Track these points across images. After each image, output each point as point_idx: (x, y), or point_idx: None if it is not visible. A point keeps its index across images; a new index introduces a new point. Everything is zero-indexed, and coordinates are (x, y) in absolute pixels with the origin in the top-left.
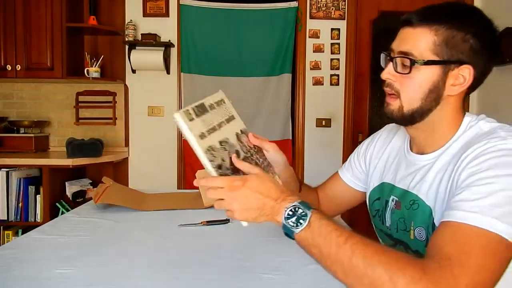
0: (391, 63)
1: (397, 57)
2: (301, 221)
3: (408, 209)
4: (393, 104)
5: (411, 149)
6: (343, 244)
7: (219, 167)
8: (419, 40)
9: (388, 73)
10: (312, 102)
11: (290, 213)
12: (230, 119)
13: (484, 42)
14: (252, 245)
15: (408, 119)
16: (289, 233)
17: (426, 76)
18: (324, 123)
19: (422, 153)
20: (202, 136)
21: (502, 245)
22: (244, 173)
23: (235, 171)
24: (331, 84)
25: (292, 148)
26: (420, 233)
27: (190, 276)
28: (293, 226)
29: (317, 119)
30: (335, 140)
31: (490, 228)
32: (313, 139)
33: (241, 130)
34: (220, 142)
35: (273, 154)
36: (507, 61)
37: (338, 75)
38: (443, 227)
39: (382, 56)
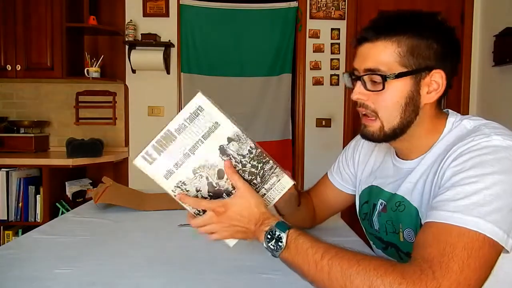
0: (359, 82)
1: (365, 75)
2: (279, 243)
3: (394, 211)
4: (373, 126)
5: (397, 155)
6: (320, 261)
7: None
8: (383, 54)
9: (358, 93)
10: (312, 102)
11: (269, 236)
12: (211, 130)
13: (446, 43)
14: (252, 245)
15: (391, 137)
16: (273, 255)
17: (399, 89)
18: (324, 123)
19: (407, 159)
20: (168, 174)
21: (485, 244)
22: (225, 195)
23: (215, 195)
24: (331, 84)
25: (292, 148)
26: (409, 235)
27: (190, 276)
28: (273, 249)
29: (317, 119)
30: (335, 140)
31: (472, 227)
32: (313, 139)
33: (228, 138)
34: (194, 171)
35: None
36: (507, 61)
37: (338, 75)
38: (426, 227)
39: (345, 76)
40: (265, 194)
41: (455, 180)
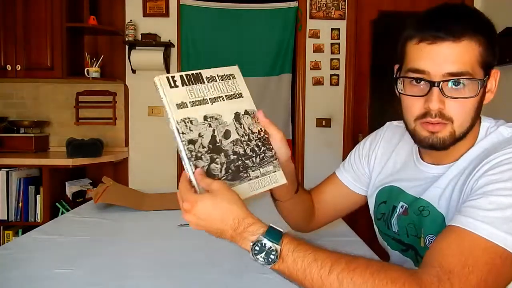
0: (435, 89)
1: (453, 79)
2: (271, 256)
3: (417, 215)
4: (443, 131)
5: (421, 157)
6: (328, 276)
7: (190, 142)
8: (468, 55)
9: (439, 101)
10: (312, 102)
11: (257, 248)
12: (234, 96)
13: (497, 41)
14: None
15: (456, 141)
16: (262, 265)
17: (478, 93)
18: (324, 123)
19: (437, 164)
20: (181, 105)
21: (508, 262)
22: (222, 156)
23: (213, 151)
24: (331, 84)
25: (292, 148)
26: (431, 241)
27: (190, 276)
28: (264, 262)
29: (317, 119)
30: (335, 140)
31: (500, 243)
32: (313, 139)
33: (245, 111)
34: (205, 117)
35: (278, 143)
36: (507, 61)
37: (338, 75)
38: (450, 232)
39: (406, 81)
40: (258, 176)
41: (490, 189)
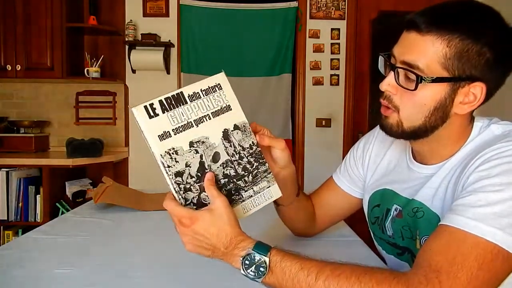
0: (392, 73)
1: (400, 67)
2: (261, 269)
3: (411, 217)
4: (391, 118)
5: (413, 157)
6: (315, 283)
7: (177, 174)
8: (428, 51)
9: (388, 85)
10: (312, 102)
11: (247, 262)
12: (222, 111)
13: (501, 54)
14: None
15: (410, 135)
16: (253, 280)
17: (432, 93)
18: (324, 123)
19: (427, 163)
20: (164, 135)
21: (499, 257)
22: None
23: (203, 179)
24: (331, 84)
25: (292, 148)
26: None
27: (190, 276)
28: (255, 276)
29: (317, 119)
30: (335, 140)
31: (490, 238)
32: (313, 139)
33: (235, 125)
34: (191, 143)
35: (278, 153)
36: None
37: (338, 75)
38: (440, 231)
39: (381, 59)
40: (251, 196)
41: (479, 186)
